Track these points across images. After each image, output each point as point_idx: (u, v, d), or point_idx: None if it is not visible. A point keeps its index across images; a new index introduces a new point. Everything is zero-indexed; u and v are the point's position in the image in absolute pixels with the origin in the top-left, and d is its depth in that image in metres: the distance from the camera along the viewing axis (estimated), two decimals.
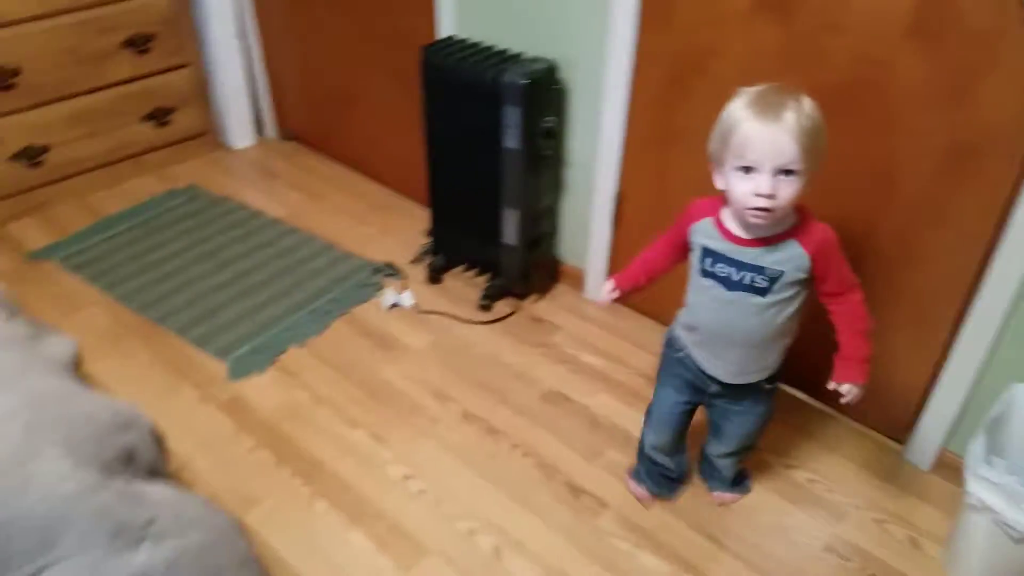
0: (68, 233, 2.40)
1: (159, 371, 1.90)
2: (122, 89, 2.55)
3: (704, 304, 1.29)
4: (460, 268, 2.28)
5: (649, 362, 1.92)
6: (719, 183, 1.20)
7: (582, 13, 1.79)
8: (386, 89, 2.44)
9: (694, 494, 1.62)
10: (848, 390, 1.27)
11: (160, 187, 2.65)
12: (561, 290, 2.21)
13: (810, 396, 1.84)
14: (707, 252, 1.25)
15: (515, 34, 1.94)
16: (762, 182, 1.09)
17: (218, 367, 1.91)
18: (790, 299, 1.24)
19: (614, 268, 2.05)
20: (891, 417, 1.71)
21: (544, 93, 1.85)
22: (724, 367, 1.34)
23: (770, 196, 1.10)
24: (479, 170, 1.97)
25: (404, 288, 2.19)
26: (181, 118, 2.74)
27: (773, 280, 1.21)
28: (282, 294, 2.17)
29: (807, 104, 1.10)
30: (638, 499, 1.60)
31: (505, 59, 1.88)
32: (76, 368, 1.04)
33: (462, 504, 1.58)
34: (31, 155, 2.42)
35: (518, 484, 1.63)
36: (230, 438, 1.73)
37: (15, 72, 2.30)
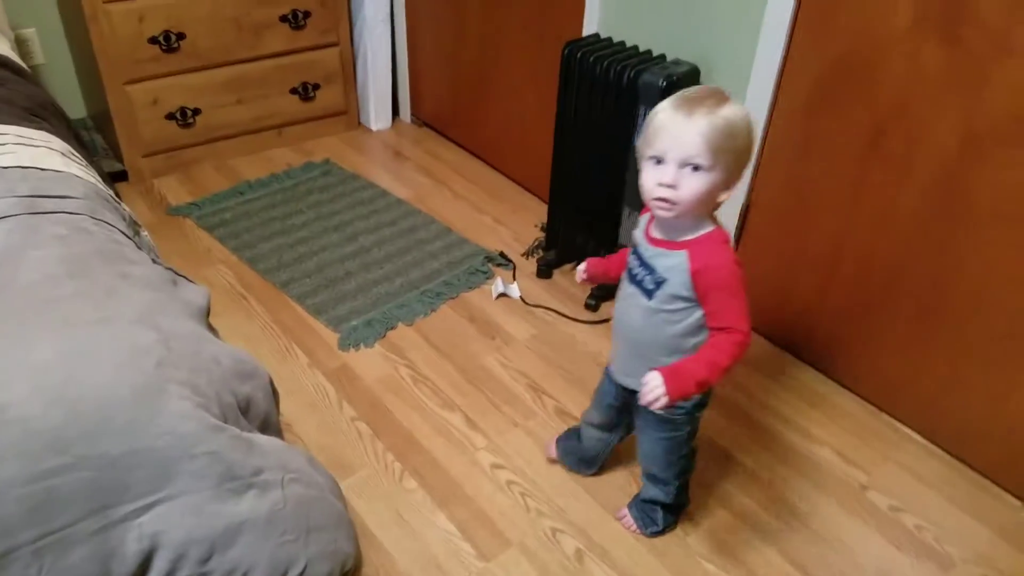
0: (207, 193, 2.55)
1: (275, 333, 1.98)
2: (275, 61, 2.67)
3: (619, 293, 1.31)
4: (571, 265, 2.27)
5: (751, 391, 1.84)
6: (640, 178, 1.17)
7: (731, 19, 1.74)
8: (522, 83, 2.45)
9: (792, 528, 1.54)
10: (653, 388, 1.12)
11: (297, 159, 2.77)
12: None
13: (929, 440, 1.73)
14: (633, 244, 1.26)
15: (660, 36, 1.90)
16: (665, 172, 1.10)
17: (330, 336, 1.98)
18: (678, 313, 1.19)
19: None
20: (1016, 473, 1.59)
21: None
22: (615, 361, 1.37)
23: (671, 186, 1.09)
24: (605, 169, 1.94)
25: (513, 279, 2.20)
26: (324, 95, 2.85)
27: (658, 285, 1.19)
28: (398, 272, 2.22)
29: (728, 107, 1.09)
30: (547, 455, 1.67)
31: (646, 60, 1.85)
32: (206, 316, 1.10)
33: (549, 502, 1.57)
34: (184, 116, 2.58)
35: (608, 490, 1.60)
36: (333, 406, 1.78)
37: (181, 36, 2.45)
